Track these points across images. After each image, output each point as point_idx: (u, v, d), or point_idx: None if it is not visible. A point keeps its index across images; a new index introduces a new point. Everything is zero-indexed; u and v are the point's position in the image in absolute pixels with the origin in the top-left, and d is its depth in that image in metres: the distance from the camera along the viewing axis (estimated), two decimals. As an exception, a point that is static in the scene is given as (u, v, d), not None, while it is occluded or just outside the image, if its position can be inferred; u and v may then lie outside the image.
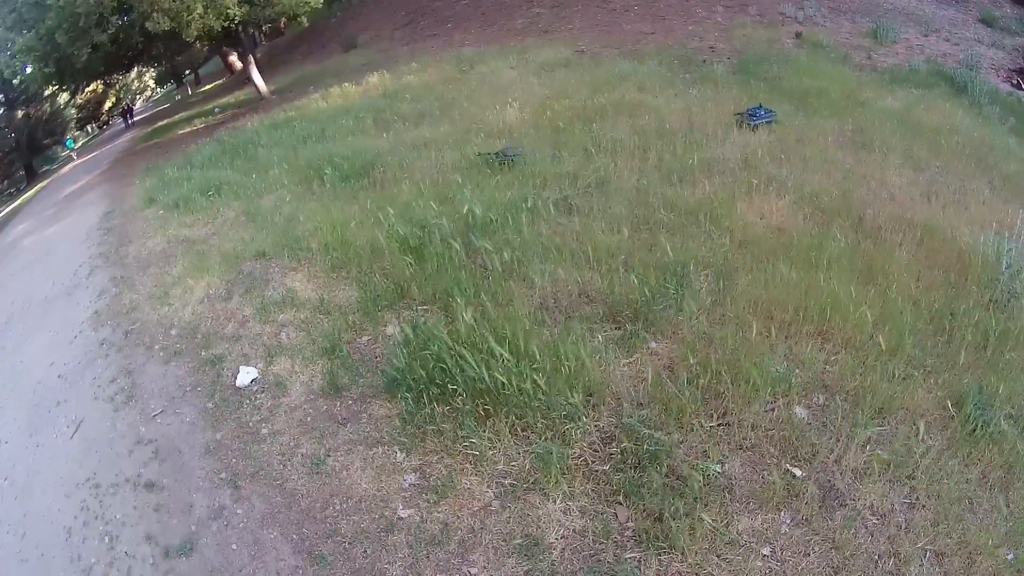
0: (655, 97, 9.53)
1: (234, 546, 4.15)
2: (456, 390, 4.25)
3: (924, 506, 3.56)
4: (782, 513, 3.52)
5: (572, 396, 4.00)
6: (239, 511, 4.36)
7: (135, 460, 5.20)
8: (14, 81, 28.50)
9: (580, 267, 5.42)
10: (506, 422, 4.12)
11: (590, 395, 4.13)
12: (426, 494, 4.03)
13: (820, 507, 3.53)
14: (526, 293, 5.18)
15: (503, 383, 4.06)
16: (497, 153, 8.59)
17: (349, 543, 3.90)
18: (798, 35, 13.62)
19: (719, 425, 3.94)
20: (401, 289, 5.85)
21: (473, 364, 4.13)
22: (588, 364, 4.21)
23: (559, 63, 12.53)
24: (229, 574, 3.99)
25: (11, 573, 4.71)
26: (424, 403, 4.37)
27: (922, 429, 3.85)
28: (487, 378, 4.11)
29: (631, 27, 14.77)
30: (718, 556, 3.32)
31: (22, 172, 41.98)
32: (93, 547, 4.58)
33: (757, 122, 8.84)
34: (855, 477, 3.68)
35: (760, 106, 9.31)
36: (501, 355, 4.14)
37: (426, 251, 5.97)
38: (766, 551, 3.36)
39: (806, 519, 3.48)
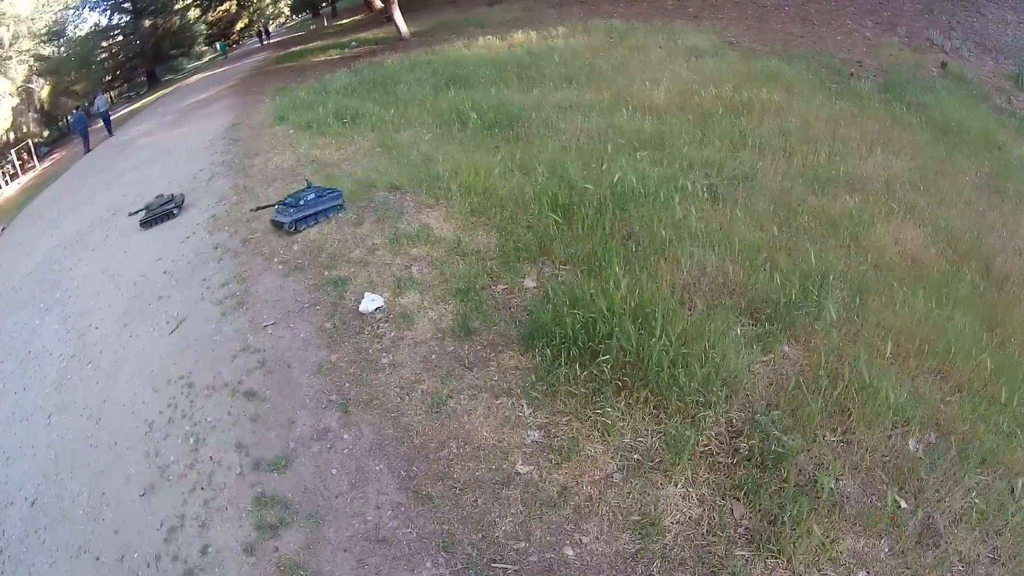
0: (803, 102, 8.70)
1: (334, 471, 3.74)
2: (601, 355, 3.89)
3: (1004, 564, 3.22)
4: (883, 540, 3.23)
5: (714, 384, 3.70)
6: (345, 436, 3.94)
7: (237, 367, 4.68)
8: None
9: (723, 257, 4.97)
10: (642, 397, 3.76)
11: (724, 386, 3.80)
12: (548, 454, 3.65)
13: (917, 542, 3.22)
14: (673, 273, 4.76)
15: (651, 357, 3.75)
16: (146, 208, 8.04)
17: (460, 489, 3.53)
18: (943, 65, 12.21)
19: (840, 441, 3.60)
20: (543, 245, 5.35)
21: (629, 334, 3.82)
22: (730, 355, 3.86)
23: (708, 51, 11.58)
24: (324, 498, 3.59)
25: (77, 456, 4.39)
26: (561, 362, 4.00)
27: (1018, 488, 3.46)
28: (634, 350, 3.81)
29: (781, 27, 13.54)
30: (819, 571, 3.07)
31: (144, 78, 42.37)
32: (175, 445, 4.17)
33: (289, 219, 6.20)
34: (953, 521, 3.34)
35: (311, 185, 6.60)
36: (663, 330, 3.80)
37: (575, 212, 5.51)
38: (862, 575, 3.10)
39: (903, 551, 3.18)
